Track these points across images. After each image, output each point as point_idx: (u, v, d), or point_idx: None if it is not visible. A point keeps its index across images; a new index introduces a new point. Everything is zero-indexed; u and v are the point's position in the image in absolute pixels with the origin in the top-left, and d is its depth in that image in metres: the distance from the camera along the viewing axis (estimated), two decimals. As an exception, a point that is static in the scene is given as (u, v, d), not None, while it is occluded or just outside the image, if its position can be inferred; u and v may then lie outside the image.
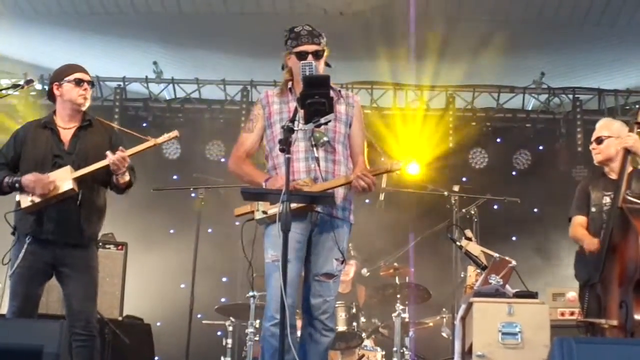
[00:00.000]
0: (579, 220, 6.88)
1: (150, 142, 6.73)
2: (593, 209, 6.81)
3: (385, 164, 5.66)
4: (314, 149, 5.52)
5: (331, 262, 5.55)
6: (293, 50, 5.67)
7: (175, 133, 6.82)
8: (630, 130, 6.72)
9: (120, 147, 6.48)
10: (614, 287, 6.31)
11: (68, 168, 6.30)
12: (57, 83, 6.53)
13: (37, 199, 6.21)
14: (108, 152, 6.37)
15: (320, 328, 5.56)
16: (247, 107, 12.25)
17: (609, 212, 6.58)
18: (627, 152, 6.61)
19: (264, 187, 5.48)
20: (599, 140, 6.92)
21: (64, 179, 6.25)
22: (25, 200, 6.24)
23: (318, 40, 5.68)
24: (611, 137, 6.87)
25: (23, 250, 6.21)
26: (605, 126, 6.98)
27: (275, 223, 5.17)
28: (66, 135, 6.50)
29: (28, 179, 6.20)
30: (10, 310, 6.28)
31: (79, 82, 6.52)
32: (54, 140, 6.46)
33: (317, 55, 5.64)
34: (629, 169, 6.62)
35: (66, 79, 6.53)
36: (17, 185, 6.22)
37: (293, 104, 5.60)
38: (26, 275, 6.24)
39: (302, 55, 5.61)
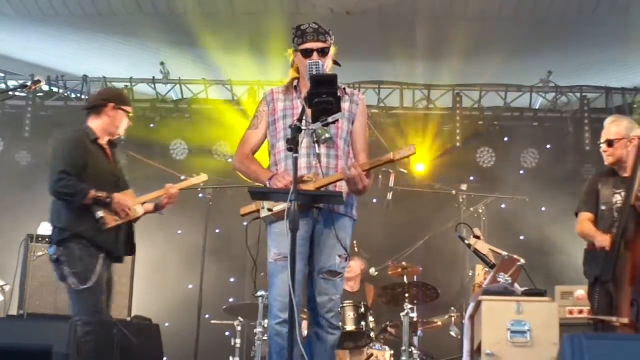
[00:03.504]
0: (587, 216, 6.84)
1: (195, 179, 7.26)
2: (603, 207, 6.76)
3: (388, 154, 5.61)
4: (316, 145, 5.50)
5: (334, 258, 5.55)
6: (298, 47, 5.66)
7: (204, 177, 7.33)
8: None
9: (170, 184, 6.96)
10: (626, 285, 6.29)
11: (132, 192, 6.62)
12: (114, 105, 6.68)
13: (120, 220, 6.43)
14: (170, 185, 6.92)
15: (326, 326, 5.57)
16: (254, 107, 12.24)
17: (622, 209, 6.54)
18: None
19: (267, 184, 5.49)
20: (609, 143, 6.86)
21: (135, 203, 6.57)
22: (111, 219, 6.39)
23: (324, 37, 5.65)
24: (622, 139, 6.81)
25: (99, 265, 6.33)
26: (613, 125, 6.90)
27: (279, 221, 5.21)
28: (108, 154, 6.71)
29: (121, 199, 6.41)
30: (101, 321, 6.41)
31: (128, 116, 6.77)
32: (107, 158, 6.65)
33: (323, 52, 5.63)
34: None
35: (124, 107, 6.74)
36: (107, 200, 6.34)
37: (297, 102, 5.62)
38: (102, 287, 6.37)
39: (307, 53, 5.61)
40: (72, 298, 6.36)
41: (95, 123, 6.67)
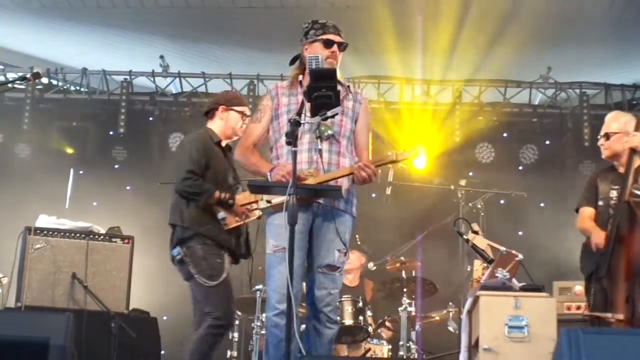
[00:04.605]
0: (587, 212, 6.89)
1: None
2: (600, 203, 6.80)
3: (392, 155, 5.65)
4: (318, 141, 5.53)
5: (333, 253, 5.57)
6: (319, 37, 5.69)
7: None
8: (638, 125, 6.71)
9: None
10: (621, 281, 6.31)
11: (249, 193, 6.55)
12: (225, 107, 6.76)
13: (240, 221, 6.51)
14: None
15: (324, 320, 5.58)
16: (254, 101, 12.25)
17: (616, 206, 6.57)
18: (633, 151, 6.61)
19: (268, 177, 5.50)
20: (607, 136, 6.90)
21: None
22: (232, 220, 6.48)
23: (341, 34, 5.75)
24: (619, 132, 6.84)
25: (226, 262, 6.45)
26: (614, 121, 6.95)
27: (278, 213, 5.23)
28: (228, 157, 6.80)
29: (243, 201, 6.44)
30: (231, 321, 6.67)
31: (244, 116, 6.81)
32: (227, 161, 6.73)
33: (341, 47, 5.71)
34: (636, 164, 6.61)
35: (236, 107, 6.82)
36: (230, 202, 6.43)
37: (301, 97, 5.62)
38: (230, 284, 6.50)
39: (328, 43, 5.67)
40: (201, 296, 6.52)
41: (213, 126, 6.80)
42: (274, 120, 5.78)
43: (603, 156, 6.99)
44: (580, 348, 3.22)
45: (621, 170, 6.80)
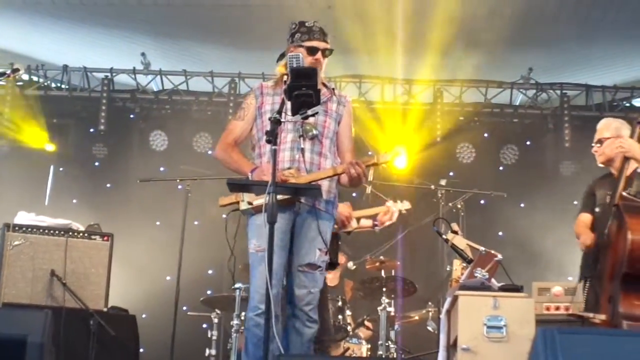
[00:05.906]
0: (583, 217, 6.93)
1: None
2: (597, 209, 6.84)
3: (373, 156, 5.65)
4: (301, 140, 5.53)
5: (314, 252, 5.56)
6: (303, 43, 5.68)
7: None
8: (633, 130, 6.77)
9: None
10: (606, 282, 6.35)
11: (349, 204, 6.89)
12: None
13: (335, 230, 6.43)
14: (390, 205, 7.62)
15: (304, 319, 5.57)
16: (235, 100, 12.27)
17: (607, 209, 6.61)
18: (625, 157, 6.65)
19: (249, 177, 5.48)
20: (600, 142, 6.95)
21: (354, 216, 6.86)
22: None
23: (327, 38, 5.75)
24: (610, 137, 6.89)
25: None
26: (605, 127, 7.00)
27: (259, 213, 5.20)
28: None
29: (343, 210, 6.62)
30: None
31: None
32: None
33: (325, 53, 5.71)
34: (631, 169, 6.64)
35: None
36: None
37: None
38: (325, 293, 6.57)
39: (312, 50, 5.66)
40: None
41: None
42: (257, 118, 5.78)
43: (598, 163, 7.03)
44: (556, 348, 3.22)
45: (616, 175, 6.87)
